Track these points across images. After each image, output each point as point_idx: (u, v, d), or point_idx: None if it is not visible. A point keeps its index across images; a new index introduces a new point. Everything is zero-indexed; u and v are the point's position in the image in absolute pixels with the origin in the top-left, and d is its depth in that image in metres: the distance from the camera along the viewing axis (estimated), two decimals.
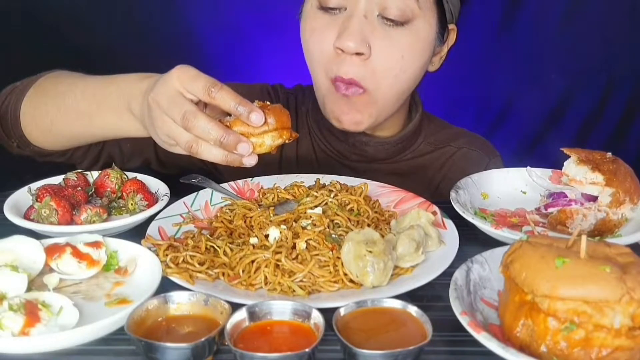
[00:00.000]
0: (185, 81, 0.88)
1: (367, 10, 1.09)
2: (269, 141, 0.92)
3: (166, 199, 1.07)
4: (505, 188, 1.18)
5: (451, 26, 1.22)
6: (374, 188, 1.16)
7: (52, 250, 0.86)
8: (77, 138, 1.17)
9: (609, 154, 1.05)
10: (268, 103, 0.93)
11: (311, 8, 1.15)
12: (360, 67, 1.11)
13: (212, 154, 0.89)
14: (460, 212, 1.02)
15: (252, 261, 0.89)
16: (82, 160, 1.24)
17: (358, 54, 1.09)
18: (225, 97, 0.87)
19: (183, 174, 1.18)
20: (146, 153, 1.28)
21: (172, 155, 1.26)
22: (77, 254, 0.86)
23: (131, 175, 1.13)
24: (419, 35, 1.13)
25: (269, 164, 1.32)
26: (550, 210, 1.05)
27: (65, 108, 1.11)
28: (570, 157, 1.05)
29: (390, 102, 1.19)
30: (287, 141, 0.94)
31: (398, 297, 0.79)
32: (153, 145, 1.26)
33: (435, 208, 1.08)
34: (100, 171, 1.12)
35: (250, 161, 0.90)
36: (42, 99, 1.15)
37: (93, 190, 1.09)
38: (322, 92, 1.19)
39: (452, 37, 1.24)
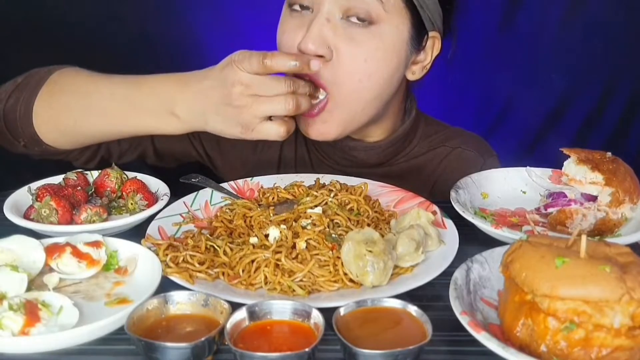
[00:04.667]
0: (244, 64, 0.98)
1: (330, 12, 1.07)
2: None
3: (166, 199, 1.07)
4: (505, 188, 1.18)
5: (432, 34, 1.18)
6: (374, 188, 1.16)
7: (52, 250, 0.86)
8: (101, 137, 1.16)
9: (609, 154, 1.05)
10: None
11: (285, 9, 1.15)
12: (323, 69, 1.07)
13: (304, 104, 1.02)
14: (460, 212, 1.02)
15: (252, 261, 0.89)
16: (80, 156, 1.22)
17: (319, 56, 1.07)
18: (280, 61, 0.99)
19: (180, 169, 1.18)
20: (143, 146, 1.28)
21: (169, 145, 1.25)
22: (77, 254, 0.86)
23: (131, 175, 1.13)
24: (384, 39, 1.10)
25: (267, 168, 1.32)
26: (549, 210, 1.05)
27: (92, 109, 1.10)
28: (569, 157, 1.05)
29: (358, 110, 1.15)
30: None
31: (398, 296, 0.79)
32: (150, 137, 1.26)
33: (435, 208, 1.08)
34: (100, 171, 1.12)
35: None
36: (63, 98, 1.13)
37: (93, 190, 1.09)
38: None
39: (436, 46, 1.20)
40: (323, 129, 1.15)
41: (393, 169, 1.32)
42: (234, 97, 0.98)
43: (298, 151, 1.34)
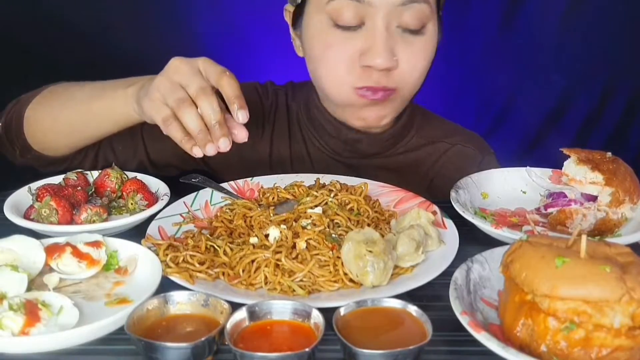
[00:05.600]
0: (207, 62, 0.96)
1: (388, 23, 1.09)
2: None
3: (166, 199, 1.07)
4: (505, 188, 1.18)
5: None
6: (374, 188, 1.16)
7: (52, 250, 0.86)
8: (75, 132, 1.19)
9: (609, 154, 1.05)
10: None
11: (322, 25, 1.13)
12: (389, 77, 1.13)
13: (193, 121, 0.93)
14: (460, 212, 1.02)
15: (252, 261, 0.89)
16: (83, 163, 1.25)
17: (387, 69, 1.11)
18: (232, 85, 0.94)
19: (181, 174, 1.18)
20: (139, 155, 1.28)
21: (163, 154, 1.26)
22: (77, 254, 0.86)
23: (131, 175, 1.13)
24: (432, 36, 1.16)
25: (260, 162, 1.33)
26: (550, 210, 1.05)
27: (70, 103, 1.16)
28: (569, 157, 1.05)
29: (409, 99, 1.23)
30: None
31: (398, 296, 0.79)
32: (143, 147, 1.28)
33: (435, 208, 1.08)
34: (100, 171, 1.12)
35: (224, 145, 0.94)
36: (46, 102, 1.20)
37: (93, 190, 1.09)
38: (341, 100, 1.19)
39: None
40: (382, 113, 1.20)
41: (392, 161, 1.32)
42: (166, 71, 0.97)
43: (293, 148, 1.34)
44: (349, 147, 1.29)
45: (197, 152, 0.93)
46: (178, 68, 0.96)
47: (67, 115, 1.16)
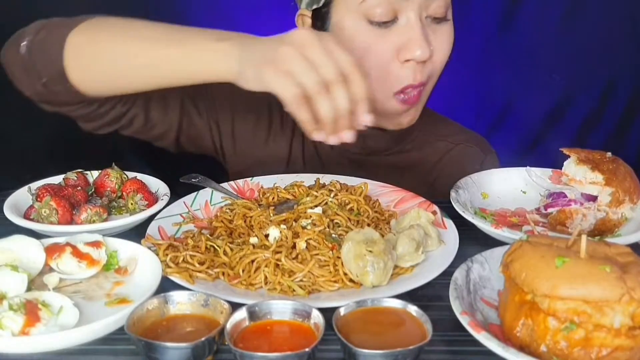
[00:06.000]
0: (338, 45, 0.89)
1: (420, 15, 1.10)
2: None
3: (166, 199, 1.07)
4: (505, 188, 1.18)
5: None
6: (374, 188, 1.16)
7: (52, 250, 0.86)
8: (131, 74, 1.03)
9: (609, 154, 1.05)
10: None
11: (357, 24, 1.12)
12: (425, 68, 1.13)
13: (327, 110, 0.88)
14: (460, 212, 1.02)
15: (252, 261, 0.89)
16: (103, 117, 1.14)
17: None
18: (361, 85, 0.89)
19: (181, 169, 1.17)
20: (171, 130, 1.25)
21: (196, 140, 1.26)
22: (77, 254, 0.86)
23: (131, 175, 1.13)
24: (452, 25, 1.17)
25: (278, 160, 1.33)
26: (550, 210, 1.05)
27: (137, 40, 1.01)
28: (569, 157, 1.05)
29: (430, 93, 1.23)
30: None
31: (398, 296, 0.79)
32: (178, 123, 1.25)
33: (435, 208, 1.08)
34: (100, 171, 1.12)
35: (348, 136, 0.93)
36: (103, 33, 1.05)
37: (93, 189, 1.09)
38: (383, 110, 1.18)
39: None
40: (415, 114, 1.21)
41: (398, 159, 1.33)
42: (285, 44, 0.88)
43: (306, 147, 1.34)
44: (359, 143, 1.29)
45: (317, 137, 0.92)
46: (308, 42, 0.87)
47: (132, 52, 1.00)
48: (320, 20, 1.18)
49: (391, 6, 1.09)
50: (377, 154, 1.31)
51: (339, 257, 0.88)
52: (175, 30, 1.00)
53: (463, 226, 1.01)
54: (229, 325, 0.71)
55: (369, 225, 1.00)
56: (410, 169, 1.33)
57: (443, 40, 1.15)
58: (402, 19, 1.10)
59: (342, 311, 0.74)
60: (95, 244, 0.88)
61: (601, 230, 1.01)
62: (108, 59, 1.02)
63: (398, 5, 1.09)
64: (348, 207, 1.05)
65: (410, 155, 1.34)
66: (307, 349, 0.67)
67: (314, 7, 1.17)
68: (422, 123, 1.34)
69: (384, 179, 1.20)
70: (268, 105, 1.33)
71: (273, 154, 1.34)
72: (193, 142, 1.31)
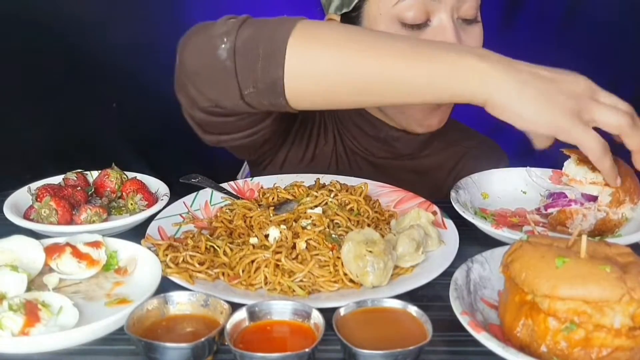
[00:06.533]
0: (613, 96, 0.90)
1: (452, 16, 1.11)
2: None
3: (166, 199, 1.07)
4: (505, 188, 1.18)
5: None
6: (374, 188, 1.16)
7: (52, 250, 0.86)
8: (360, 89, 0.91)
9: None
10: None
11: (392, 28, 1.11)
12: None
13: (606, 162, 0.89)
14: (460, 212, 1.02)
15: (252, 261, 0.89)
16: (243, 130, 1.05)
17: None
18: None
19: (180, 169, 1.17)
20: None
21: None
22: (77, 254, 0.86)
23: (131, 175, 1.13)
24: (482, 25, 1.17)
25: (302, 159, 1.33)
26: (550, 210, 1.05)
27: (372, 51, 0.89)
28: (569, 157, 1.05)
29: None
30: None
31: (398, 297, 0.79)
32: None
33: (435, 208, 1.08)
34: (100, 171, 1.12)
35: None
36: (329, 42, 0.90)
37: (93, 190, 1.09)
38: (414, 110, 1.19)
39: None
40: (444, 116, 1.22)
41: (418, 164, 1.33)
42: (571, 89, 0.86)
43: (337, 146, 1.34)
44: (385, 147, 1.29)
45: (618, 182, 0.94)
46: (596, 92, 0.88)
47: (374, 66, 0.87)
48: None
49: (424, 8, 1.08)
50: (401, 159, 1.31)
51: (339, 258, 0.88)
52: (415, 44, 0.90)
53: (463, 226, 1.01)
54: (228, 326, 0.71)
55: (369, 225, 1.00)
56: (429, 173, 1.34)
57: (474, 41, 1.14)
58: (434, 21, 1.10)
59: (342, 311, 0.74)
60: (95, 244, 0.88)
61: (601, 231, 1.01)
62: (341, 72, 0.89)
63: (431, 7, 1.09)
64: (348, 207, 1.05)
65: (429, 161, 1.35)
66: (307, 349, 0.67)
67: (344, 11, 1.16)
68: (438, 129, 1.35)
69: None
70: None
71: (319, 155, 1.34)
72: (259, 148, 1.26)
